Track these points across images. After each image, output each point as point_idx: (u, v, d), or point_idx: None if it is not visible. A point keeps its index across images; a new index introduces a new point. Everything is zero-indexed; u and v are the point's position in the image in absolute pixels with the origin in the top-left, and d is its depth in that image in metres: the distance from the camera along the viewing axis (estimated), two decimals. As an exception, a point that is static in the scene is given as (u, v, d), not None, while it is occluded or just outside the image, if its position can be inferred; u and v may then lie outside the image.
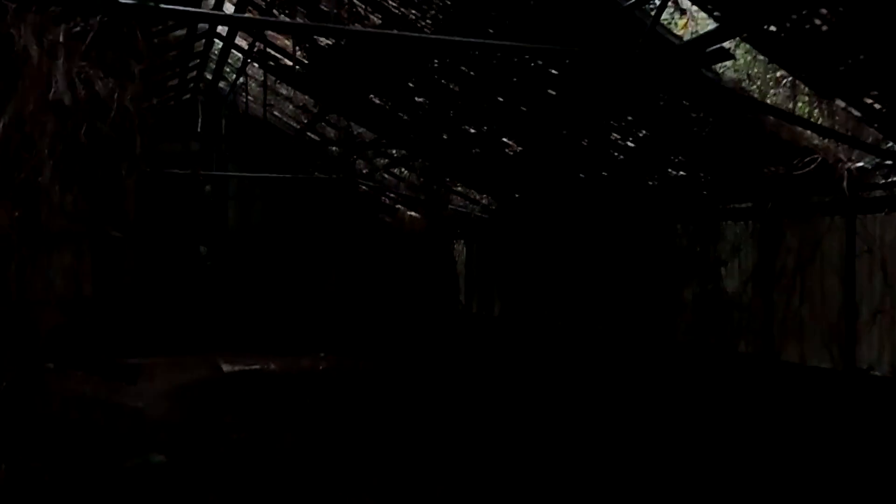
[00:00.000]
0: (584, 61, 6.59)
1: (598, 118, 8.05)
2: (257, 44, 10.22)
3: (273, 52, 10.87)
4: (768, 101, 6.24)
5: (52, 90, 5.18)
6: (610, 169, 9.29)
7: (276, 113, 14.12)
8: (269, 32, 10.00)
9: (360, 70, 9.71)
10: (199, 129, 15.38)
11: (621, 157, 8.73)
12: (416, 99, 10.01)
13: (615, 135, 8.25)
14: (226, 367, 14.35)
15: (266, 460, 7.90)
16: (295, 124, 14.32)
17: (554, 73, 7.45)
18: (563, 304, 12.15)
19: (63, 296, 17.23)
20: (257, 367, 14.41)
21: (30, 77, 5.03)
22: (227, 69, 13.11)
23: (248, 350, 15.85)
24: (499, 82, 8.36)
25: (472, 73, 8.39)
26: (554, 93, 7.84)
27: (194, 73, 13.36)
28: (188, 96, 15.03)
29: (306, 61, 10.62)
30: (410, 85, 9.64)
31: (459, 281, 16.18)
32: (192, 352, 15.66)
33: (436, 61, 8.59)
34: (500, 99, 8.79)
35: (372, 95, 10.72)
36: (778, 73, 6.25)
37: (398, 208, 15.99)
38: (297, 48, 10.22)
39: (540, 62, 7.33)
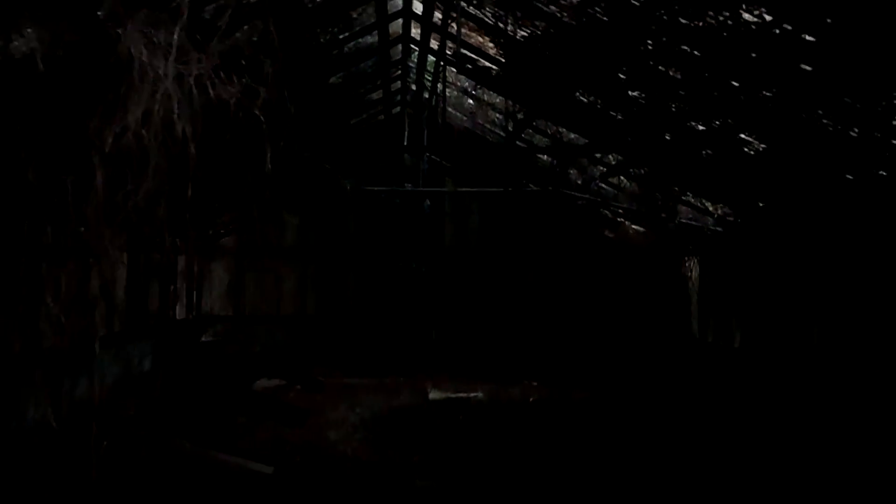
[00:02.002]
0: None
1: (878, 98, 5.91)
2: (449, 45, 9.19)
3: (468, 54, 9.79)
4: None
5: (160, 98, 4.40)
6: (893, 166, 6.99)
7: (479, 121, 13.09)
8: (463, 30, 8.93)
9: (562, 62, 8.30)
10: (405, 143, 14.90)
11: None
12: (630, 93, 8.37)
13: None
14: (432, 394, 13.56)
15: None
16: (501, 133, 13.20)
17: (809, 42, 5.52)
18: (840, 339, 9.73)
19: (289, 313, 17.77)
20: (463, 394, 13.45)
21: (134, 83, 4.29)
22: (429, 77, 12.31)
23: (456, 373, 15.03)
24: (732, 60, 6.52)
25: (696, 52, 6.64)
26: (810, 68, 5.87)
27: (398, 83, 12.72)
28: (398, 109, 14.54)
29: (503, 60, 9.41)
30: (621, 76, 8.04)
31: (691, 305, 14.03)
32: (401, 372, 15.16)
33: (649, 42, 6.94)
34: (735, 83, 6.91)
35: (578, 93, 9.24)
36: None
37: (620, 222, 14.26)
38: (493, 45, 9.06)
39: (788, 27, 5.45)
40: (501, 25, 8.22)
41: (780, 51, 5.89)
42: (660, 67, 7.33)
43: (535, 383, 14.23)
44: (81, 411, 8.12)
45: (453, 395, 13.41)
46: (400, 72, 12.07)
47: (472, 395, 13.50)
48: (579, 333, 15.51)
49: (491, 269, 16.51)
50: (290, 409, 11.74)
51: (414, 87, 13.10)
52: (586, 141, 11.03)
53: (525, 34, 8.11)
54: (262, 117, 9.56)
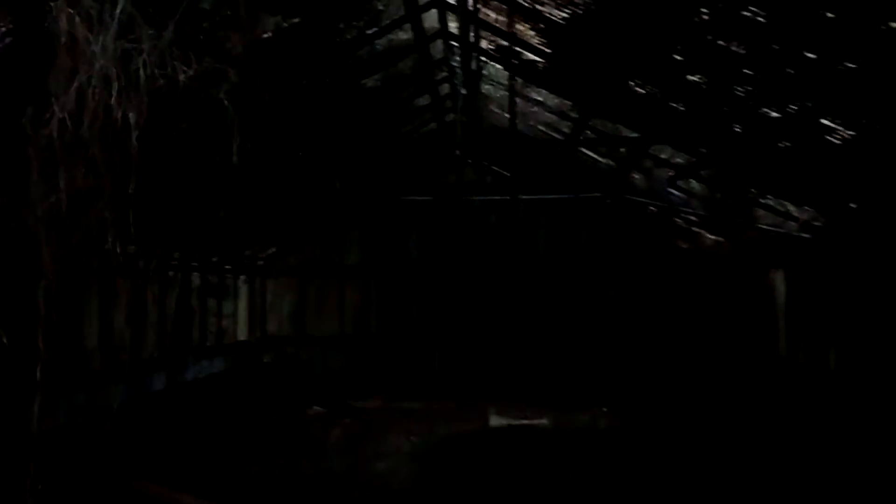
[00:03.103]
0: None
1: None
2: (488, 37, 8.30)
3: (509, 45, 8.87)
4: None
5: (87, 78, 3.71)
6: None
7: (532, 123, 12.10)
8: (499, 17, 8.05)
9: (608, 45, 7.30)
10: (461, 152, 14.09)
11: None
12: (689, 77, 7.26)
13: None
14: (493, 420, 12.62)
15: None
16: (557, 135, 12.17)
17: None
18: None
19: (350, 332, 17.20)
20: (526, 421, 12.44)
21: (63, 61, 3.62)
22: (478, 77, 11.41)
23: (520, 397, 14.01)
24: (804, 24, 5.39)
25: (760, 17, 5.53)
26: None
27: (446, 86, 11.87)
28: (451, 116, 13.73)
29: (548, 49, 8.44)
30: (676, 58, 6.96)
31: (777, 321, 12.53)
32: (463, 395, 14.30)
33: (704, 11, 5.87)
34: (810, 55, 5.76)
35: (632, 82, 8.18)
36: None
37: (694, 231, 12.98)
38: (534, 33, 8.12)
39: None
40: (539, 7, 7.30)
41: (863, 8, 4.76)
42: (719, 42, 6.24)
43: (604, 409, 13.05)
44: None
45: (515, 422, 12.45)
46: (446, 73, 11.23)
47: (537, 421, 12.49)
48: (652, 354, 14.21)
49: (557, 283, 15.47)
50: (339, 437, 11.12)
51: (464, 91, 12.23)
52: (646, 138, 9.90)
53: (566, 15, 7.16)
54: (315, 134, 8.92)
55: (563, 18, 7.27)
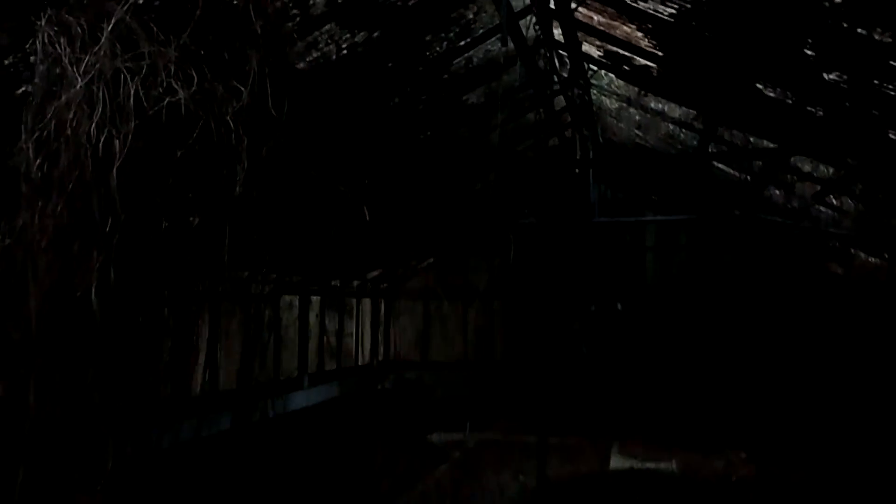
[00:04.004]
0: None
1: None
2: (595, 43, 7.47)
3: (620, 51, 7.98)
4: None
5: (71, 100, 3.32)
6: None
7: (653, 135, 11.01)
8: (601, 17, 7.20)
9: (726, 41, 6.29)
10: (583, 169, 13.20)
11: None
12: (825, 76, 6.10)
13: None
14: (614, 461, 11.57)
15: None
16: (681, 147, 11.02)
17: None
18: None
19: (474, 358, 16.64)
20: (651, 464, 11.28)
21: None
22: (591, 88, 10.51)
23: (648, 434, 12.82)
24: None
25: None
26: None
27: (560, 98, 11.04)
28: (570, 132, 12.89)
29: (660, 53, 7.49)
30: (808, 53, 5.85)
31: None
32: (585, 430, 13.26)
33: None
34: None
35: (760, 84, 7.06)
36: None
37: (853, 253, 11.34)
38: (643, 34, 7.21)
39: None
40: (642, 3, 6.42)
41: None
42: (858, 30, 5.12)
43: (742, 454, 11.62)
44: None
45: (639, 465, 11.34)
46: (558, 85, 10.42)
47: (663, 465, 11.31)
48: (799, 391, 12.58)
49: (694, 310, 14.18)
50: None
51: (579, 103, 11.36)
52: (784, 149, 8.63)
53: (673, 10, 6.23)
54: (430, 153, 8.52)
55: (671, 15, 6.35)
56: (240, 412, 10.87)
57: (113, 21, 3.40)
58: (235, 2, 3.97)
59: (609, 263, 15.10)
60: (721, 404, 13.13)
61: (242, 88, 4.17)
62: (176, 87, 3.93)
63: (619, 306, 15.19)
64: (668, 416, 13.39)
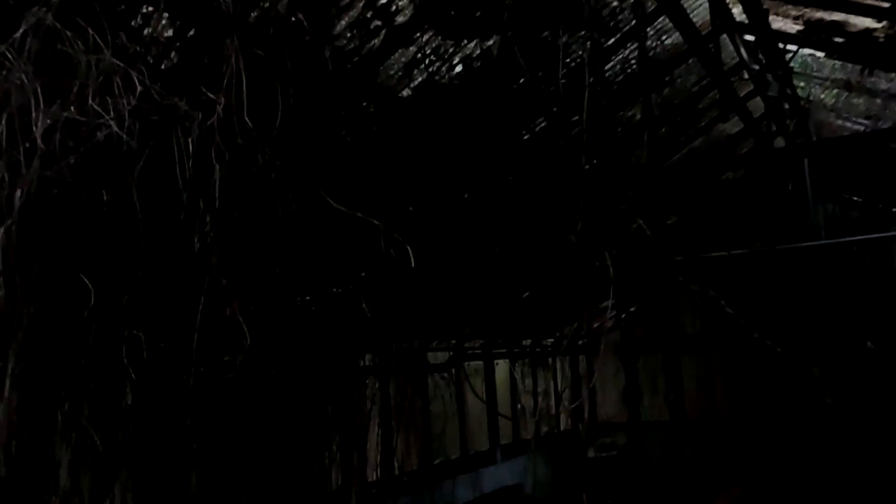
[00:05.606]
0: None
1: None
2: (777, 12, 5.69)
3: (823, 16, 6.08)
4: None
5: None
6: None
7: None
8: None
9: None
10: (799, 183, 10.99)
11: None
12: None
13: None
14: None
15: None
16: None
17: None
18: None
19: (693, 416, 14.52)
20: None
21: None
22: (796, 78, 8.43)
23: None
24: None
25: None
26: None
27: (758, 99, 9.06)
28: (780, 141, 10.77)
29: (885, 2, 5.52)
30: None
31: None
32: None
33: None
34: None
35: None
36: None
37: None
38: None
39: None
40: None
41: None
42: None
43: None
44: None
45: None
46: (752, 86, 8.51)
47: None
48: None
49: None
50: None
51: (787, 105, 9.26)
52: None
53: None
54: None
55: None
56: (420, 496, 9.80)
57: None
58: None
59: (849, 294, 12.51)
60: None
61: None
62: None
63: (870, 344, 12.60)
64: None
